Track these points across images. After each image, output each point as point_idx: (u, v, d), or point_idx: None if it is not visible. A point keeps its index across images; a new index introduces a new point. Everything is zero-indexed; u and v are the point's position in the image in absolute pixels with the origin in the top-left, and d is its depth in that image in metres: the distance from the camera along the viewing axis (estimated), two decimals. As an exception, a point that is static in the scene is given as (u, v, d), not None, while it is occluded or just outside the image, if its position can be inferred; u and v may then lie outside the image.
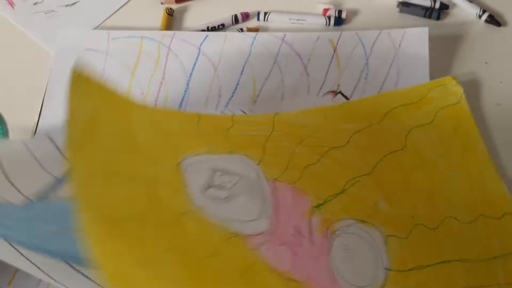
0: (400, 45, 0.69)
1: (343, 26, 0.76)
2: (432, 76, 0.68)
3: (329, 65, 0.71)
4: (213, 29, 0.74)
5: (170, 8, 0.76)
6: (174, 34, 0.72)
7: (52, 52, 0.73)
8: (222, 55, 0.71)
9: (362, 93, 0.68)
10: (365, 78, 0.69)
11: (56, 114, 0.67)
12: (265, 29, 0.75)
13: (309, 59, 0.70)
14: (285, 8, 0.77)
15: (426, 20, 0.75)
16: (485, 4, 0.75)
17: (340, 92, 0.69)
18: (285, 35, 0.73)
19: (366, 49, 0.71)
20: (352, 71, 0.70)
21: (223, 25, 0.75)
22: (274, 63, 0.71)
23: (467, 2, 0.75)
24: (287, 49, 0.72)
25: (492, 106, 0.67)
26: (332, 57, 0.71)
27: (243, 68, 0.71)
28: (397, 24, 0.74)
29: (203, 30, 0.74)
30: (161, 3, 0.77)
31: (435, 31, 0.72)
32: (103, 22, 0.77)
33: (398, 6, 0.75)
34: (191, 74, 0.70)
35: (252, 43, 0.72)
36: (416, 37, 0.69)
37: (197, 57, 0.71)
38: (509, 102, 0.67)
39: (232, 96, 0.68)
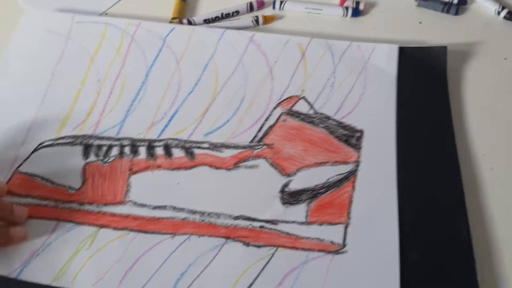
0: (369, 58, 0.68)
1: (360, 18, 0.75)
2: (452, 74, 0.68)
3: (296, 70, 0.68)
4: (227, 16, 0.72)
5: (184, -6, 0.74)
6: (139, 24, 0.71)
7: (25, 6, 0.73)
8: (186, 49, 0.69)
9: (326, 100, 0.66)
10: (331, 86, 0.66)
11: (7, 92, 0.66)
12: (281, 18, 0.74)
13: (275, 62, 0.68)
14: (303, -4, 0.75)
15: (444, 15, 0.74)
16: (504, 1, 0.75)
17: (303, 98, 0.65)
18: (254, 35, 0.69)
19: (334, 57, 0.69)
20: (319, 78, 0.68)
21: (237, 12, 0.74)
22: (239, 62, 0.68)
23: (486, -2, 0.74)
24: (254, 49, 0.69)
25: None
26: (300, 62, 0.68)
27: (207, 64, 0.67)
28: (414, 18, 0.75)
29: (217, 17, 0.73)
30: (175, -12, 0.75)
31: (453, 26, 0.73)
32: (112, 5, 0.74)
33: (416, -1, 0.74)
34: (152, 65, 0.68)
35: (219, 40, 0.69)
36: (386, 53, 0.69)
37: (161, 49, 0.69)
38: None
39: (191, 91, 0.66)
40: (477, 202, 0.61)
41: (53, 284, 0.54)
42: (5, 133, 0.63)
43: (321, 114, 0.65)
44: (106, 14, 0.74)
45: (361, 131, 0.64)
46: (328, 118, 0.65)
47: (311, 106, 0.65)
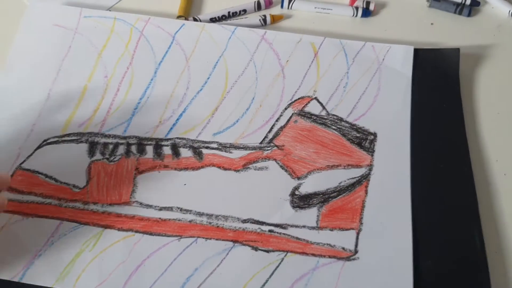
0: (383, 59, 0.67)
1: (371, 18, 0.73)
2: (464, 77, 0.68)
3: (308, 69, 0.66)
4: (234, 14, 0.71)
5: (191, -9, 0.73)
6: (149, 19, 0.69)
7: (28, 2, 0.70)
8: (196, 46, 0.67)
9: (339, 101, 0.65)
10: (344, 87, 0.65)
11: (12, 86, 0.64)
12: (289, 17, 0.72)
13: (287, 60, 0.67)
14: (312, -5, 0.75)
15: (456, 16, 0.74)
16: (518, 2, 0.75)
17: (316, 98, 0.63)
18: (265, 32, 0.68)
19: (348, 58, 0.68)
20: (332, 78, 0.66)
21: (244, 10, 0.73)
22: (250, 60, 0.66)
23: (499, -1, 0.74)
24: (265, 47, 0.67)
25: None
26: (312, 62, 0.66)
27: (217, 62, 0.66)
28: (426, 19, 0.74)
29: (223, 16, 0.70)
30: (181, -15, 0.74)
31: (466, 27, 0.73)
32: (117, 2, 0.73)
33: (428, 0, 0.75)
34: (160, 62, 0.66)
35: (230, 37, 0.67)
36: (401, 55, 0.68)
37: (170, 45, 0.67)
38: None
39: (200, 90, 0.65)
40: (490, 208, 0.60)
41: (55, 286, 0.53)
42: (8, 128, 0.61)
43: (334, 115, 0.64)
44: (110, 10, 0.72)
45: (374, 134, 0.62)
46: (341, 120, 0.63)
47: (324, 107, 0.64)
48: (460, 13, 0.72)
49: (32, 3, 0.70)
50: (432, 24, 0.72)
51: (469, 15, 0.72)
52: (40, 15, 0.69)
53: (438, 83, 0.67)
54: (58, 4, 0.71)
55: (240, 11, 0.72)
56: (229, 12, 0.71)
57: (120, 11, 0.71)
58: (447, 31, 0.71)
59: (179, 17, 0.71)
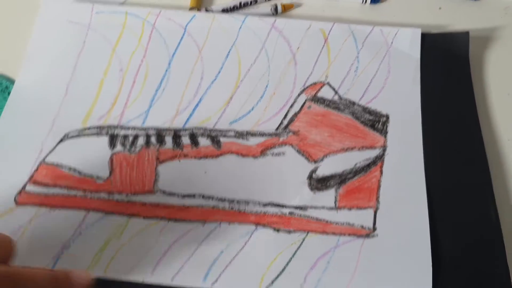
0: (392, 42, 0.72)
1: (380, 4, 0.79)
2: (473, 59, 0.72)
3: (319, 55, 0.71)
4: (245, 4, 0.76)
5: (202, -17, 0.77)
6: (160, 12, 0.73)
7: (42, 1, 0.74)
8: (208, 36, 0.72)
9: (351, 86, 0.70)
10: (355, 71, 0.70)
11: (31, 83, 0.69)
12: (299, 6, 0.77)
13: (298, 48, 0.72)
14: (322, -17, 0.78)
15: (463, 0, 0.78)
16: (524, -17, 0.78)
17: (328, 84, 0.69)
18: (275, 21, 0.73)
19: (357, 42, 0.73)
20: (342, 63, 0.71)
21: (255, 0, 0.76)
22: (262, 48, 0.71)
23: (507, -19, 0.78)
24: (276, 35, 0.72)
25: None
26: (323, 48, 0.72)
27: (229, 52, 0.71)
28: (434, 3, 0.79)
29: (235, 6, 0.75)
30: (192, -23, 0.77)
31: (473, 11, 0.77)
32: (128, -4, 0.77)
33: (437, -16, 0.79)
34: (174, 53, 0.71)
35: (241, 27, 0.72)
36: (409, 37, 0.73)
37: (182, 37, 0.72)
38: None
39: (214, 80, 0.69)
40: (504, 186, 0.65)
41: (87, 273, 0.58)
42: (30, 125, 0.66)
43: (346, 99, 0.69)
44: (124, 4, 0.77)
45: (386, 116, 0.68)
46: (353, 103, 0.68)
47: (336, 92, 0.69)
48: (470, -4, 0.77)
49: (45, 1, 0.74)
50: (440, 8, 0.77)
51: (478, -2, 0.76)
52: (54, 12, 0.74)
53: (449, 66, 0.71)
54: (71, 0, 0.75)
55: (251, 1, 0.76)
56: (240, 3, 0.76)
57: (135, 5, 0.76)
58: (455, 15, 0.76)
59: (191, 9, 0.76)
